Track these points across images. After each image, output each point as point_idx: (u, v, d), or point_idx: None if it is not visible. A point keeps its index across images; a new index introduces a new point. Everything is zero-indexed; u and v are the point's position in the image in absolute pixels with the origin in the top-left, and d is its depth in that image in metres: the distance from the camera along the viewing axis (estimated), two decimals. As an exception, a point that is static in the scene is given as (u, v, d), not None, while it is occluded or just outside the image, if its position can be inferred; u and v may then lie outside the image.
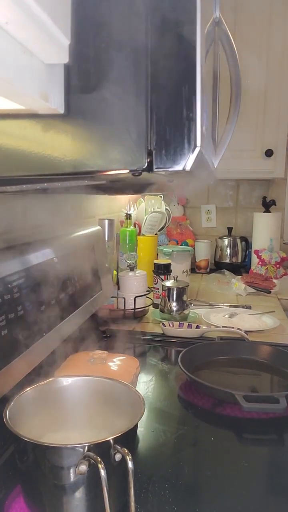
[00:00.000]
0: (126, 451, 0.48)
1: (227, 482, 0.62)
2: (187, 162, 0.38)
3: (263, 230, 1.97)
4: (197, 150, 0.38)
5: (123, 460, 0.48)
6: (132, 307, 1.29)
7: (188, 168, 0.38)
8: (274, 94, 1.70)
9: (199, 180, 0.61)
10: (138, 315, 1.34)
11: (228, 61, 0.69)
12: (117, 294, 1.31)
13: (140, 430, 0.74)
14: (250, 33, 1.66)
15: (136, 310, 1.30)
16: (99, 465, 0.45)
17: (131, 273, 1.34)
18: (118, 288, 1.33)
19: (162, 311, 1.34)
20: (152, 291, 1.45)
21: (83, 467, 0.46)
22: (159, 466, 0.65)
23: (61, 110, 0.37)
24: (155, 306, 1.43)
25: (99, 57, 0.38)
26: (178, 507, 0.56)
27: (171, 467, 0.64)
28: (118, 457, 0.49)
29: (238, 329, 1.16)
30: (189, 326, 1.22)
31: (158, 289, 1.43)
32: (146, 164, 0.39)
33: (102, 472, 0.45)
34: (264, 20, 1.65)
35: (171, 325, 1.23)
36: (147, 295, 1.37)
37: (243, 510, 0.57)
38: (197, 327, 1.21)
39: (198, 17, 0.37)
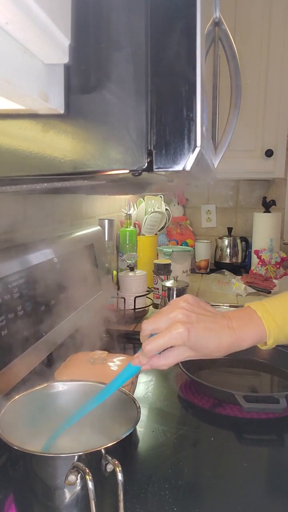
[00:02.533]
0: (116, 462, 0.46)
1: (227, 482, 0.62)
2: (187, 162, 0.38)
3: (263, 230, 1.97)
4: (197, 150, 0.38)
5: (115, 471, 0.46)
6: (132, 307, 1.29)
7: (188, 168, 0.38)
8: (274, 94, 1.70)
9: (199, 180, 0.61)
10: (138, 315, 1.34)
11: (228, 61, 0.69)
12: (117, 294, 1.31)
13: (140, 430, 0.74)
14: (250, 33, 1.66)
15: (136, 310, 1.30)
16: (87, 477, 0.44)
17: (131, 273, 1.34)
18: (118, 288, 1.33)
19: (162, 311, 1.34)
20: (152, 291, 1.45)
21: (73, 478, 0.45)
22: (159, 466, 0.65)
23: (61, 110, 0.37)
24: (155, 306, 1.43)
25: (99, 57, 0.38)
26: (178, 507, 0.56)
27: (171, 467, 0.64)
28: (110, 467, 0.47)
29: (238, 329, 1.16)
30: (189, 326, 1.22)
31: (158, 289, 1.43)
32: (146, 164, 0.39)
33: (90, 484, 0.44)
34: (264, 20, 1.65)
35: (171, 325, 1.22)
36: (147, 295, 1.37)
37: (243, 510, 0.56)
38: (197, 327, 1.21)
39: (198, 17, 0.37)
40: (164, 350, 0.54)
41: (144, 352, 0.54)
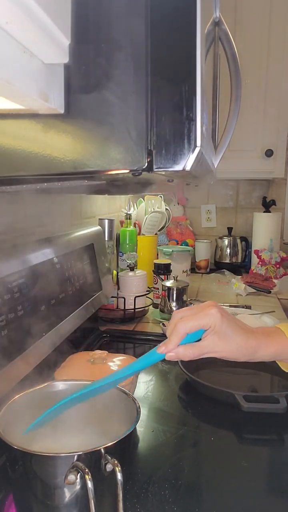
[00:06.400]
0: (116, 462, 0.47)
1: (227, 482, 0.62)
2: (187, 162, 0.38)
3: (263, 230, 1.97)
4: (197, 150, 0.38)
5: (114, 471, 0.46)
6: (132, 307, 1.29)
7: (188, 168, 0.38)
8: (274, 94, 1.70)
9: (199, 180, 0.61)
10: (138, 315, 1.34)
11: (228, 61, 0.69)
12: (117, 294, 1.31)
13: (140, 430, 0.74)
14: (250, 33, 1.66)
15: (136, 310, 1.30)
16: (86, 476, 0.44)
17: (131, 273, 1.34)
18: (118, 288, 1.33)
19: (162, 311, 1.34)
20: (152, 291, 1.45)
21: (72, 477, 0.45)
22: (159, 466, 0.65)
23: (61, 110, 0.37)
24: (155, 306, 1.43)
25: (99, 57, 0.38)
26: (178, 507, 0.56)
27: (171, 467, 0.64)
28: (109, 467, 0.47)
29: (238, 329, 1.16)
30: (189, 326, 1.22)
31: (158, 289, 1.43)
32: (146, 164, 0.39)
33: (89, 484, 0.44)
34: (264, 20, 1.65)
35: (171, 325, 1.23)
36: (147, 295, 1.37)
37: (243, 510, 0.57)
38: (197, 327, 1.21)
39: (198, 17, 0.37)
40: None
41: (175, 332, 0.53)
